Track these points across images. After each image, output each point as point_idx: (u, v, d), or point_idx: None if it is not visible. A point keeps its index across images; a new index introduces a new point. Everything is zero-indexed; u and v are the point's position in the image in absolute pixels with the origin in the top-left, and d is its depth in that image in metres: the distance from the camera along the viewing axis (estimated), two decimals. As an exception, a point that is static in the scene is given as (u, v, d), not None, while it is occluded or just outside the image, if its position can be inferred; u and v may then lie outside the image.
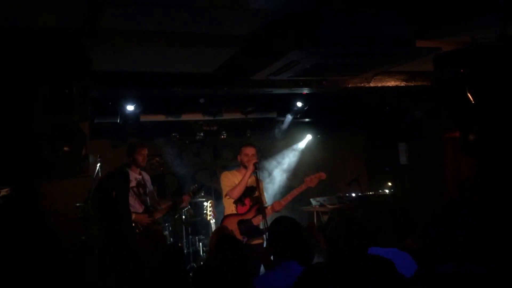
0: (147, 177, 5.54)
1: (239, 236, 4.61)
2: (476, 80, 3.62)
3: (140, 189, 5.35)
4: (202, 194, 6.08)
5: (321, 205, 7.27)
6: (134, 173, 5.38)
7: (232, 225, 4.69)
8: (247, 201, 4.90)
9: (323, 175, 5.07)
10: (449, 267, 1.99)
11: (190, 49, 4.21)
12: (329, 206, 7.19)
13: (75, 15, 3.38)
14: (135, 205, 5.25)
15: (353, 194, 7.10)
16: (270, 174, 7.72)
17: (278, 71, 4.15)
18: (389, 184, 7.46)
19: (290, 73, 4.19)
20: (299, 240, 2.83)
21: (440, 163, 6.61)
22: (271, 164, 7.81)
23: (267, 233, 4.51)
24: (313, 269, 1.90)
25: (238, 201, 4.86)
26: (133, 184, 5.29)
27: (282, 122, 7.33)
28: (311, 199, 7.33)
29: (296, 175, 7.63)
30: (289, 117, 7.16)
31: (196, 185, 6.01)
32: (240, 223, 4.76)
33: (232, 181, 4.90)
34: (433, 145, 6.71)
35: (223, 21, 3.65)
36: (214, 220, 6.49)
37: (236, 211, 4.85)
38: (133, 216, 5.13)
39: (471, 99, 3.79)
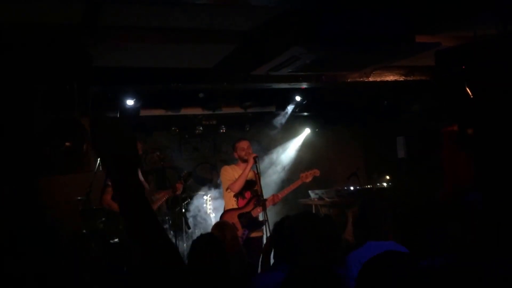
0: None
1: (240, 230, 4.68)
2: (476, 75, 3.65)
3: None
4: (191, 180, 6.06)
5: (320, 198, 7.33)
6: None
7: (233, 219, 4.75)
8: (247, 195, 4.96)
9: (317, 172, 5.33)
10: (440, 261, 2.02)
11: (190, 45, 4.22)
12: (327, 199, 7.25)
13: (75, 12, 3.38)
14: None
15: (351, 188, 7.15)
16: (269, 167, 7.76)
17: (278, 66, 4.17)
18: (387, 177, 7.51)
19: (290, 69, 4.21)
20: None
21: (438, 156, 6.65)
22: (269, 157, 7.84)
23: (266, 225, 4.61)
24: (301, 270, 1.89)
25: (239, 195, 4.92)
26: None
27: (278, 115, 7.35)
28: (310, 191, 7.38)
29: (294, 168, 7.67)
30: (286, 114, 7.21)
31: (186, 171, 6.02)
32: (240, 216, 4.82)
33: (232, 175, 4.95)
34: (431, 139, 6.76)
35: (224, 17, 3.66)
36: (213, 214, 6.54)
37: (237, 204, 4.91)
38: None
39: (470, 94, 3.82)
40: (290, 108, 7.08)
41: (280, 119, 7.44)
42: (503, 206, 2.93)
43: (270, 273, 2.70)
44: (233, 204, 4.92)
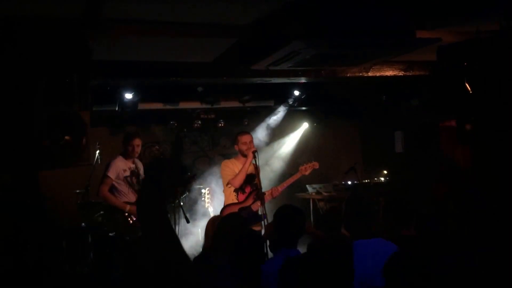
0: (140, 165, 5.53)
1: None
2: (476, 71, 3.67)
3: (134, 178, 5.37)
4: (195, 181, 6.07)
5: (317, 192, 7.35)
6: (128, 162, 5.38)
7: (233, 214, 4.77)
8: (247, 189, 4.97)
9: (316, 165, 5.32)
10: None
11: (190, 39, 4.21)
12: (325, 194, 7.28)
13: (76, 5, 3.36)
14: (129, 195, 5.28)
15: (349, 182, 7.18)
16: (268, 161, 7.78)
17: (278, 61, 4.16)
18: (385, 172, 7.54)
19: (290, 63, 4.20)
20: (302, 229, 2.89)
21: (436, 151, 6.69)
22: (268, 151, 7.86)
23: (265, 219, 4.63)
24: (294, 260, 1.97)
25: (239, 189, 4.93)
26: (127, 173, 5.31)
27: (275, 111, 7.35)
28: (307, 186, 7.40)
29: (293, 163, 7.68)
30: (280, 112, 7.23)
31: (189, 173, 6.02)
32: (240, 210, 4.84)
33: (232, 170, 4.95)
34: (429, 133, 6.79)
35: (224, 11, 3.65)
36: (212, 208, 6.55)
37: (237, 199, 4.93)
38: (128, 207, 5.16)
39: (469, 89, 3.84)
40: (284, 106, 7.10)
41: (272, 119, 7.45)
42: (502, 199, 2.96)
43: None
44: (233, 198, 4.93)
